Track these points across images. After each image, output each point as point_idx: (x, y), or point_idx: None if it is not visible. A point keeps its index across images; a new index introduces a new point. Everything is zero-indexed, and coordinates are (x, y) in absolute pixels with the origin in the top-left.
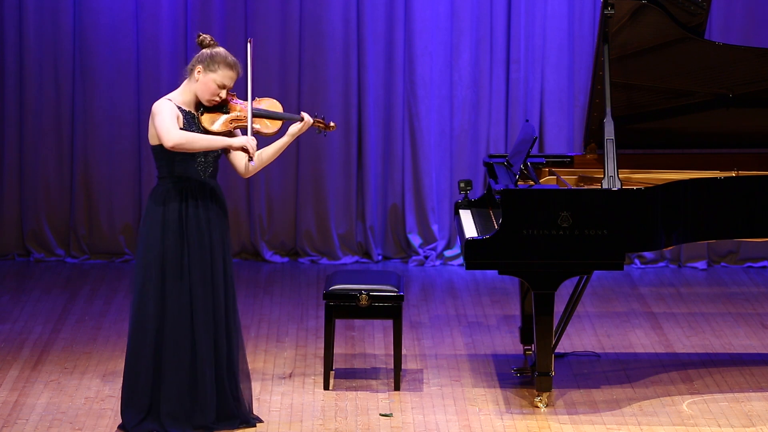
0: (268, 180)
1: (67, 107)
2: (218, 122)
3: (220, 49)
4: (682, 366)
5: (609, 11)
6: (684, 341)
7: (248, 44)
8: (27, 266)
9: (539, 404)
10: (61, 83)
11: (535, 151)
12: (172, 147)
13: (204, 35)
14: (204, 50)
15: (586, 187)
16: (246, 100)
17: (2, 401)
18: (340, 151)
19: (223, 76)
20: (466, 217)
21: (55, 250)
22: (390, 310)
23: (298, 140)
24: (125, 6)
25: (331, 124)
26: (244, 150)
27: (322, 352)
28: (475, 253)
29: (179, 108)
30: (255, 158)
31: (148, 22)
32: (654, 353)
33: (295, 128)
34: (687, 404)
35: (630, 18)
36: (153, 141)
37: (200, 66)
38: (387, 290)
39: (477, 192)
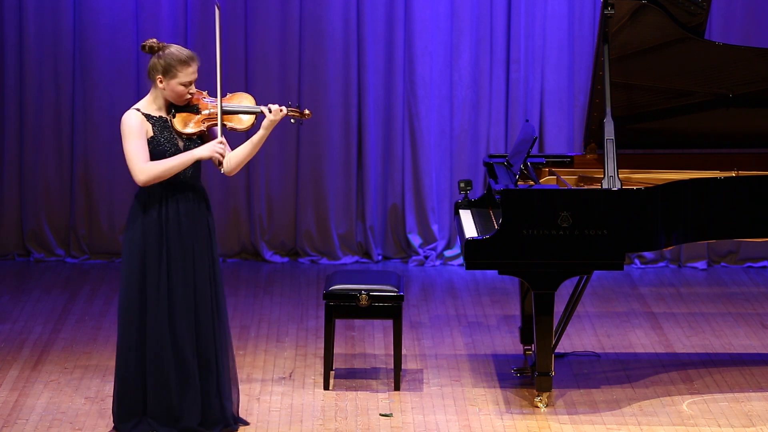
0: (268, 180)
1: (67, 107)
2: (191, 123)
3: (171, 50)
4: (682, 366)
5: (609, 11)
6: (684, 341)
7: (216, 9)
8: (27, 266)
9: (539, 404)
10: (61, 83)
11: (535, 151)
12: (143, 184)
13: (148, 42)
14: (155, 58)
15: (586, 187)
16: (216, 97)
17: (2, 401)
18: (340, 151)
19: (184, 75)
20: (466, 217)
21: (55, 250)
22: (390, 310)
23: (297, 140)
24: (125, 6)
25: (306, 111)
26: (214, 157)
27: (322, 352)
28: (475, 253)
29: (149, 116)
30: (225, 163)
31: (148, 22)
32: (654, 353)
33: (265, 121)
34: (687, 404)
35: (630, 18)
36: None
37: (159, 75)
38: (387, 290)
39: (477, 192)
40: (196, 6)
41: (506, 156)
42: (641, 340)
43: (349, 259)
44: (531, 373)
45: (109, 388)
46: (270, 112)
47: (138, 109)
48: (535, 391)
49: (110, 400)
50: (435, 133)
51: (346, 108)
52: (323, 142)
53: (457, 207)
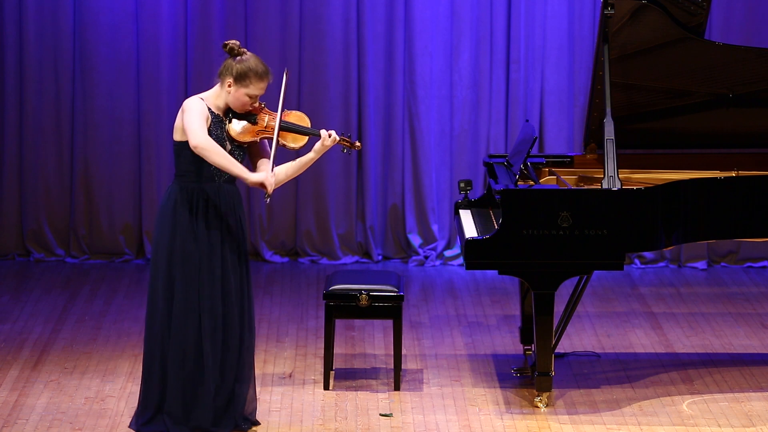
0: None
1: (67, 107)
2: (245, 131)
3: (250, 60)
4: (682, 366)
5: (609, 11)
6: (684, 341)
7: (284, 75)
8: (27, 266)
9: (539, 404)
10: (61, 83)
11: (535, 151)
12: (195, 146)
13: (231, 43)
14: (233, 61)
15: (586, 187)
16: (276, 110)
17: (2, 401)
18: (341, 151)
19: (256, 88)
20: (466, 217)
21: (55, 250)
22: (390, 310)
23: None
24: (125, 6)
25: (357, 143)
26: (262, 186)
27: (322, 352)
28: (475, 253)
29: (210, 110)
30: (271, 192)
31: (148, 22)
32: (654, 353)
33: (318, 145)
34: (687, 404)
35: (630, 18)
36: (177, 137)
37: (230, 79)
38: (387, 290)
39: (477, 192)
40: (196, 6)
41: (506, 156)
42: (641, 340)
43: (349, 259)
44: (531, 373)
45: (108, 388)
46: (321, 136)
47: (202, 99)
48: (535, 391)
49: (110, 400)
50: (435, 133)
51: (346, 108)
52: None
53: (457, 207)
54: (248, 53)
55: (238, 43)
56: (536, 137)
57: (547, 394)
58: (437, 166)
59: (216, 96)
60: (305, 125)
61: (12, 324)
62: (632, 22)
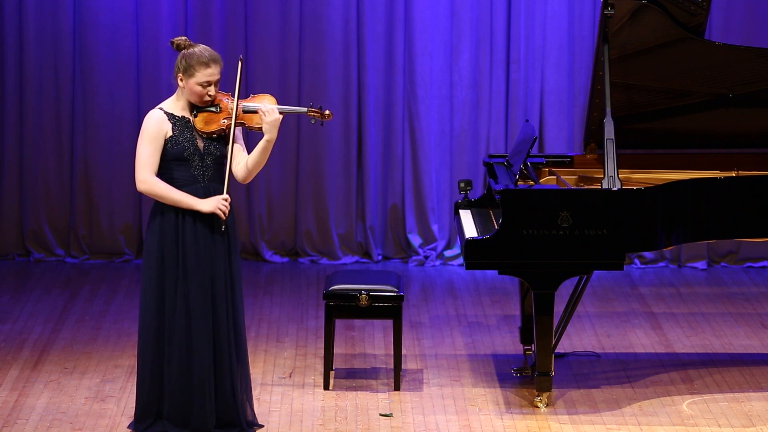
0: (268, 180)
1: (67, 107)
2: (209, 121)
3: (195, 50)
4: (682, 366)
5: (609, 11)
6: (684, 341)
7: (239, 62)
8: (27, 266)
9: (539, 404)
10: (61, 83)
11: (535, 151)
12: (138, 189)
13: (177, 39)
14: (180, 55)
15: (586, 187)
16: (240, 97)
17: (2, 401)
18: (340, 151)
19: (203, 75)
20: (466, 217)
21: (55, 250)
22: (390, 310)
23: (297, 140)
24: (125, 6)
25: (327, 112)
26: (217, 211)
27: (322, 352)
28: (475, 253)
29: (171, 116)
30: (241, 171)
31: (148, 22)
32: (654, 353)
33: (264, 125)
34: (687, 404)
35: (630, 18)
36: None
37: (180, 74)
38: (387, 290)
39: (477, 192)
40: (196, 6)
41: (506, 156)
42: (641, 340)
43: (349, 259)
44: (531, 373)
45: (108, 388)
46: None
47: (161, 108)
48: (535, 391)
49: (110, 400)
50: (435, 133)
51: (346, 108)
52: (323, 142)
53: (457, 207)
54: (197, 45)
55: (184, 38)
56: (536, 137)
57: (547, 394)
58: (437, 166)
59: (177, 98)
60: (268, 104)
61: (12, 324)
62: (632, 22)
